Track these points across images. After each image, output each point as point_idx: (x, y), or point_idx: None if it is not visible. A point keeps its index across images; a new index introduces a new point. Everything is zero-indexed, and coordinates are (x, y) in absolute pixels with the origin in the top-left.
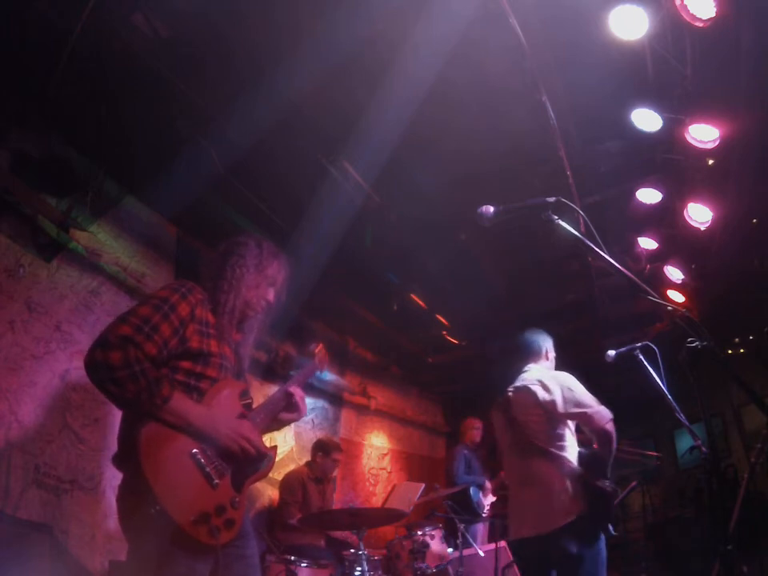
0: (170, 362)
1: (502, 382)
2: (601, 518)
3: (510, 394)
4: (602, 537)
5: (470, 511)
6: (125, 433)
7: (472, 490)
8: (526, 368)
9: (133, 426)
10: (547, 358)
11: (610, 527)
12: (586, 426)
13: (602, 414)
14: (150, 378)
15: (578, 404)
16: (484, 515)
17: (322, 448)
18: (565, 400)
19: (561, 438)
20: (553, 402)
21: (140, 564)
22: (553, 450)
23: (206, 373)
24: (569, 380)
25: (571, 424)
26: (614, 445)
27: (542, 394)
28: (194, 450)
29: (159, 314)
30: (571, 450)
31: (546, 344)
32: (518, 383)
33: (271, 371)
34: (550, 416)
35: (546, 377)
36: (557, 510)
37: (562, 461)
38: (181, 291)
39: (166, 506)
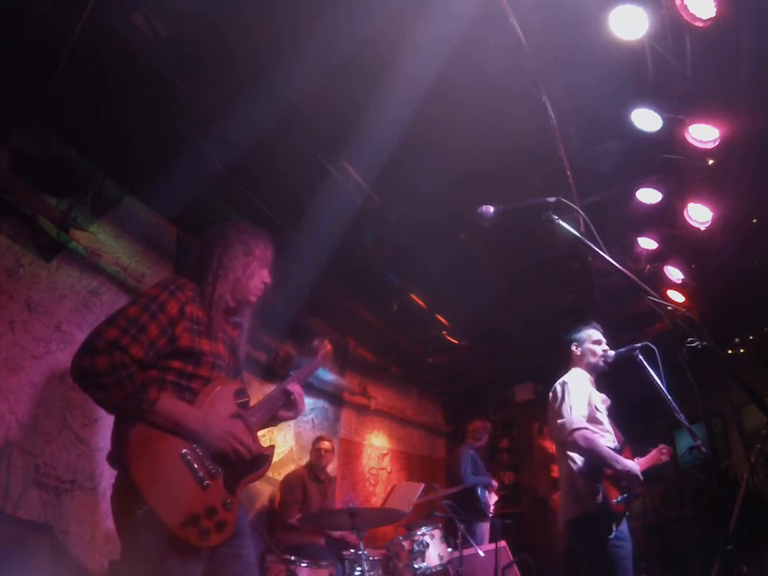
0: (159, 361)
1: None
2: (601, 517)
3: None
4: (608, 537)
5: (478, 511)
6: (117, 432)
7: (479, 490)
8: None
9: (123, 426)
10: (576, 355)
11: (614, 527)
12: None
13: (563, 426)
14: (136, 383)
15: (557, 415)
16: (490, 515)
17: (311, 444)
18: (555, 409)
19: None
20: (552, 410)
21: (131, 564)
22: (568, 451)
23: (197, 372)
24: (568, 388)
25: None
26: (590, 452)
27: (550, 402)
28: (184, 451)
29: (147, 313)
30: None
31: (571, 344)
32: None
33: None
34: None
35: (559, 383)
36: (566, 504)
37: (572, 461)
38: (170, 288)
39: (154, 506)
